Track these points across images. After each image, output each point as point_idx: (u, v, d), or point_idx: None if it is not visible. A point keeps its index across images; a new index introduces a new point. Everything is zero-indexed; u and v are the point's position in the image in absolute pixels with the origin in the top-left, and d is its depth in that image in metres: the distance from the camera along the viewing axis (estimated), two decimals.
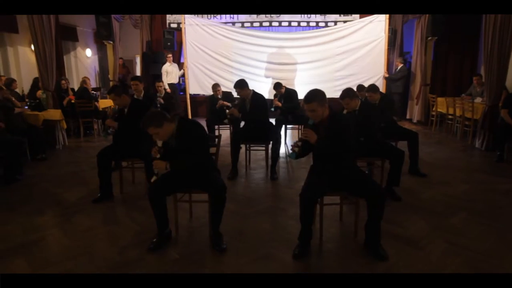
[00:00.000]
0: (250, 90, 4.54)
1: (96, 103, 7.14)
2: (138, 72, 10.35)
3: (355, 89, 4.30)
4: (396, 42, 8.49)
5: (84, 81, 7.19)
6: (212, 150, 3.10)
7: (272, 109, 5.79)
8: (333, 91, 7.67)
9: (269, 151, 4.56)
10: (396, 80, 8.11)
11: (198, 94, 8.97)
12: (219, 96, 6.18)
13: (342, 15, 8.85)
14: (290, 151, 2.64)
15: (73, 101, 6.85)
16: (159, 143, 2.65)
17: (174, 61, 9.08)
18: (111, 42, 8.33)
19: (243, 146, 4.67)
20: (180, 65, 9.24)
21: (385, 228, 2.75)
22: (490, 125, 5.53)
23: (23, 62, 7.65)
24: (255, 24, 9.18)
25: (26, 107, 5.92)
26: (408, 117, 8.60)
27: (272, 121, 5.25)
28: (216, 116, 6.08)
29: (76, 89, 7.67)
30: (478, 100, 6.26)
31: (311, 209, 2.58)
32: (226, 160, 4.77)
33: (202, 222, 3.15)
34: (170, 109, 5.68)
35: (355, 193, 2.70)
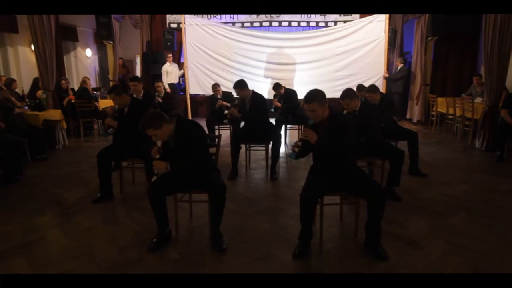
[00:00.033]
0: (249, 90, 4.53)
1: (96, 103, 7.14)
2: (138, 72, 10.34)
3: (355, 89, 4.31)
4: (396, 42, 8.48)
5: (84, 81, 7.19)
6: (212, 150, 3.10)
7: (272, 110, 5.79)
8: (333, 91, 7.66)
9: (269, 151, 4.57)
10: (396, 80, 8.11)
11: (198, 94, 8.96)
12: (219, 96, 6.18)
13: (342, 15, 8.84)
14: (290, 151, 2.64)
15: (73, 101, 6.85)
16: (159, 144, 2.65)
17: (174, 61, 9.07)
18: (111, 42, 8.33)
19: (243, 146, 4.67)
20: (180, 65, 9.23)
21: (385, 228, 2.75)
22: (490, 125, 5.53)
23: (23, 62, 7.65)
24: (255, 24, 9.18)
25: (26, 107, 5.93)
26: (408, 117, 8.60)
27: (272, 121, 5.25)
28: (216, 116, 6.08)
29: (76, 89, 7.67)
30: (478, 100, 6.26)
31: (311, 209, 2.58)
32: (226, 160, 4.77)
33: (202, 222, 3.15)
34: (169, 109, 5.68)
35: (355, 193, 2.70)
